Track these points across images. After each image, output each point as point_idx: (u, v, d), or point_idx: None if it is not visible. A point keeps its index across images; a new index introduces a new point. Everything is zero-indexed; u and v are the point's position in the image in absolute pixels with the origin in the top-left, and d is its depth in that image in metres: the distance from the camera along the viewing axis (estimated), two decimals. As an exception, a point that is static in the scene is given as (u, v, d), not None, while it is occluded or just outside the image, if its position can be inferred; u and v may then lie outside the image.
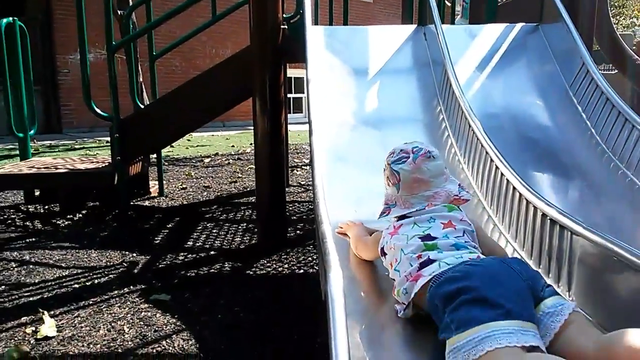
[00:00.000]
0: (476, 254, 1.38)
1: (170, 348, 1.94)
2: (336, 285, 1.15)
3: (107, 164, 4.15)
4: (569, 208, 2.14)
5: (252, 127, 3.24)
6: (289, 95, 14.24)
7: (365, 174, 2.41)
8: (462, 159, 2.48)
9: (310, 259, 2.96)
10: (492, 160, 2.13)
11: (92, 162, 4.30)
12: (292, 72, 13.21)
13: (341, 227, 1.96)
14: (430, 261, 1.35)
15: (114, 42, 3.87)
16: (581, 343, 1.12)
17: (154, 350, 1.92)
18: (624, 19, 21.42)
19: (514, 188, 1.90)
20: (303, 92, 14.74)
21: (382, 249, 1.55)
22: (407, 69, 3.21)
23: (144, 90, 6.14)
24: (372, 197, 2.22)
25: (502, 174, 2.02)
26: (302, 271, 2.78)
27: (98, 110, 3.97)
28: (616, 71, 5.94)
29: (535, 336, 1.09)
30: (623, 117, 2.44)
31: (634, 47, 6.48)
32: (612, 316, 1.33)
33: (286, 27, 3.26)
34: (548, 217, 1.64)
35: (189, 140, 9.34)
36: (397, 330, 1.37)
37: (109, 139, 4.04)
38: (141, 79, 5.87)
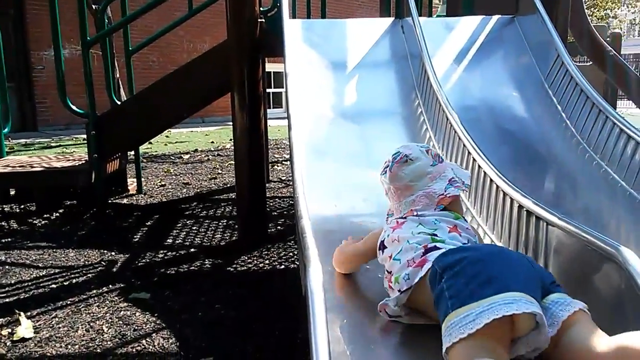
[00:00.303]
0: None
1: (150, 347, 1.92)
2: (316, 280, 1.15)
3: (83, 161, 4.09)
4: (545, 199, 2.17)
5: (232, 123, 3.21)
6: (268, 90, 14.15)
7: (344, 168, 2.42)
8: (440, 152, 2.49)
9: (291, 254, 2.96)
10: (469, 153, 2.15)
11: (69, 160, 4.23)
12: (271, 67, 13.12)
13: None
14: (436, 248, 1.30)
15: (88, 37, 3.81)
16: (589, 342, 1.06)
17: (134, 350, 1.90)
18: (598, 10, 21.73)
19: (491, 180, 1.92)
20: (283, 87, 14.66)
21: (383, 242, 1.47)
22: (385, 62, 3.21)
23: (121, 86, 6.06)
24: (351, 191, 2.24)
25: (479, 166, 2.04)
26: (282, 267, 2.78)
27: (74, 107, 3.91)
28: (591, 63, 6.03)
29: (539, 309, 1.04)
30: (597, 109, 2.47)
31: (608, 39, 6.58)
32: (590, 306, 1.35)
33: (263, 20, 3.24)
34: (524, 209, 1.66)
35: (167, 136, 9.25)
36: (379, 325, 1.38)
37: (85, 136, 3.98)
38: (118, 75, 5.79)
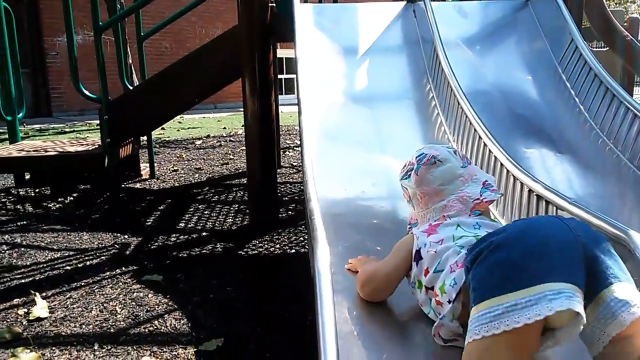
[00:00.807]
0: None
1: (163, 327, 1.96)
2: (323, 261, 1.17)
3: (96, 146, 4.13)
4: (557, 184, 2.16)
5: (242, 108, 3.22)
6: (280, 76, 14.13)
7: (355, 152, 2.42)
8: (452, 137, 2.48)
9: (301, 239, 2.98)
10: (480, 138, 2.14)
11: (82, 145, 4.28)
12: (284, 53, 13.09)
13: (350, 263, 1.58)
14: None
15: (100, 23, 3.82)
16: None
17: (146, 330, 1.94)
18: (616, -5, 21.34)
19: (502, 164, 1.92)
20: (295, 73, 14.61)
21: (418, 251, 1.26)
22: (396, 46, 3.19)
23: (134, 72, 6.10)
24: (362, 175, 2.24)
25: (489, 151, 2.04)
26: (293, 251, 2.80)
27: (86, 92, 3.94)
28: (607, 48, 5.93)
29: (581, 303, 0.89)
30: (611, 94, 2.45)
31: (625, 24, 6.46)
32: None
33: (274, 5, 3.23)
34: (534, 193, 1.66)
35: (180, 122, 9.30)
36: (387, 307, 1.39)
37: (98, 121, 4.01)
38: (130, 61, 5.82)
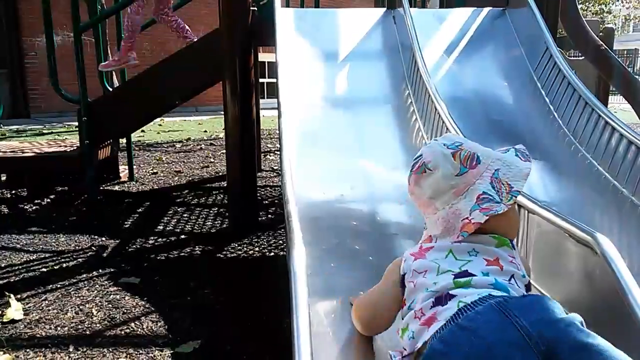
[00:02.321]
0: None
1: (139, 330, 1.95)
2: (299, 262, 1.18)
3: (75, 147, 4.09)
4: (532, 188, 2.21)
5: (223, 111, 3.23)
6: (262, 80, 14.08)
7: (334, 156, 2.45)
8: (429, 142, 2.52)
9: (280, 242, 2.99)
10: (456, 143, 2.18)
11: (60, 146, 4.24)
12: (265, 57, 13.08)
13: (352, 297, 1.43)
14: (448, 297, 1.01)
15: (80, 24, 3.79)
16: None
17: (123, 332, 1.93)
18: (593, 5, 21.77)
19: (477, 169, 1.95)
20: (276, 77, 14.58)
21: (403, 277, 1.15)
22: (376, 52, 3.23)
23: (114, 73, 6.04)
24: (340, 179, 2.26)
25: (465, 156, 2.07)
26: (272, 254, 2.81)
27: (65, 93, 3.91)
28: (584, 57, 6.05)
29: None
30: (584, 102, 2.51)
31: (601, 34, 6.60)
32: (567, 292, 1.39)
33: (256, 9, 3.24)
34: (508, 197, 1.69)
35: (160, 125, 9.23)
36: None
37: (77, 123, 3.98)
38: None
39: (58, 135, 7.68)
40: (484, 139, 2.55)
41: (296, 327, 1.02)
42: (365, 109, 2.82)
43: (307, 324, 1.02)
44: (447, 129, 2.31)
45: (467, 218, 1.12)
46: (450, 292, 1.01)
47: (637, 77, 4.90)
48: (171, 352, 1.79)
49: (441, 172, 1.17)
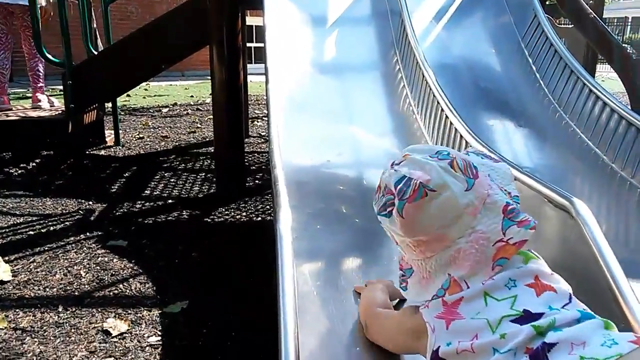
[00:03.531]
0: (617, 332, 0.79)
1: (127, 291, 1.98)
2: (284, 224, 1.21)
3: (60, 112, 4.05)
4: (516, 155, 2.25)
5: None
6: (250, 45, 13.91)
7: (322, 122, 2.45)
8: (416, 109, 2.53)
9: (267, 207, 3.01)
10: (442, 110, 2.20)
11: (45, 111, 4.18)
12: (253, 21, 12.88)
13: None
14: (546, 347, 0.75)
15: (63, -16, 3.71)
16: None
17: (111, 293, 1.96)
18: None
19: (461, 136, 1.98)
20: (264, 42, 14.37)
21: (437, 352, 0.84)
22: (365, 18, 3.20)
23: (98, 36, 5.92)
24: (328, 145, 2.28)
25: (450, 123, 2.09)
26: (259, 219, 2.84)
27: (49, 56, 3.84)
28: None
29: None
30: (569, 69, 2.53)
31: (591, 2, 6.56)
32: (546, 255, 1.43)
33: (243, -29, 3.19)
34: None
35: (146, 89, 9.12)
36: (348, 267, 1.45)
37: (62, 87, 3.92)
38: (95, 25, 5.64)
39: (42, 99, 7.55)
40: (471, 106, 2.59)
41: (281, 286, 1.05)
42: (353, 75, 2.82)
43: (292, 283, 1.05)
44: (433, 95, 2.32)
45: (501, 240, 0.88)
46: (544, 340, 0.75)
47: (625, 45, 4.92)
48: (159, 312, 1.83)
49: (450, 192, 0.89)
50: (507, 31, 3.09)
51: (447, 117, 2.14)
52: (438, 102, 2.25)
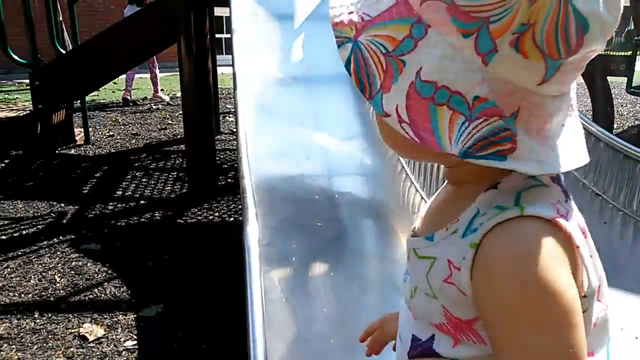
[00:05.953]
0: None
1: (103, 295, 2.04)
2: (252, 238, 1.29)
3: (28, 112, 4.02)
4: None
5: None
6: (219, 36, 13.75)
7: (290, 127, 2.52)
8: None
9: (240, 207, 3.07)
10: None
11: (12, 110, 4.15)
12: (223, 11, 12.75)
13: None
14: None
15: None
16: None
17: (87, 298, 2.01)
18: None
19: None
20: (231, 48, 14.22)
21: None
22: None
23: (65, 30, 5.84)
24: (296, 150, 2.35)
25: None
26: (232, 219, 2.90)
27: (16, 57, 3.79)
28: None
29: None
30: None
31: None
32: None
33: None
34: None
35: (115, 83, 8.97)
36: (315, 274, 1.53)
37: (29, 81, 3.89)
38: (61, 18, 5.56)
39: (8, 94, 7.42)
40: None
41: (249, 299, 1.13)
42: (322, 79, 2.88)
43: (260, 295, 1.14)
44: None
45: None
46: None
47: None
48: (134, 315, 1.89)
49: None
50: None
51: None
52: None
